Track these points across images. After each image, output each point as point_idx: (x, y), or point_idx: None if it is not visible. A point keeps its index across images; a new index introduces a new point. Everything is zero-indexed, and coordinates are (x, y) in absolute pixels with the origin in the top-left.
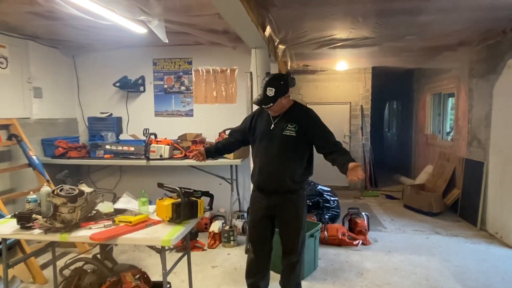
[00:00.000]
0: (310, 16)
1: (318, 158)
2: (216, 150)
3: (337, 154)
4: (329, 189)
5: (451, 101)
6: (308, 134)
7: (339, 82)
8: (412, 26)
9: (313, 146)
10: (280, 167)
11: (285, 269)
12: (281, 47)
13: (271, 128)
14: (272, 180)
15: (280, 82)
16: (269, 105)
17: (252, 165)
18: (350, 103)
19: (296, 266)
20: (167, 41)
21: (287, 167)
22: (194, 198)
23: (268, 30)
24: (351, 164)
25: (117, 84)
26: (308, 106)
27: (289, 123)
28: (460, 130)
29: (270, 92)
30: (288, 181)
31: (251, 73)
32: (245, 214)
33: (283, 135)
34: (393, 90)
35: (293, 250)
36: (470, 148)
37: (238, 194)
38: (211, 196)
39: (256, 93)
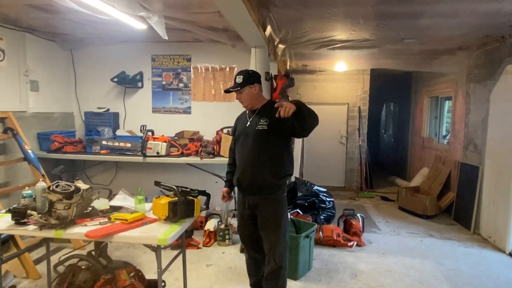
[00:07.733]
0: (311, 17)
1: (313, 159)
2: (232, 178)
3: None
4: (325, 189)
5: (448, 104)
6: (281, 125)
7: (338, 82)
8: (412, 29)
9: (289, 142)
10: (255, 161)
11: (266, 276)
12: (281, 46)
13: (247, 125)
14: (249, 174)
15: (248, 72)
16: (236, 89)
17: None
18: (348, 104)
19: (279, 272)
20: (166, 38)
21: (262, 161)
22: (190, 197)
23: (268, 29)
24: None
25: (115, 79)
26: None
27: (262, 118)
28: (456, 134)
29: (239, 79)
30: (264, 176)
31: None
32: None
33: (255, 130)
34: (390, 92)
35: (272, 254)
36: (466, 152)
37: (234, 193)
38: (208, 195)
39: None
